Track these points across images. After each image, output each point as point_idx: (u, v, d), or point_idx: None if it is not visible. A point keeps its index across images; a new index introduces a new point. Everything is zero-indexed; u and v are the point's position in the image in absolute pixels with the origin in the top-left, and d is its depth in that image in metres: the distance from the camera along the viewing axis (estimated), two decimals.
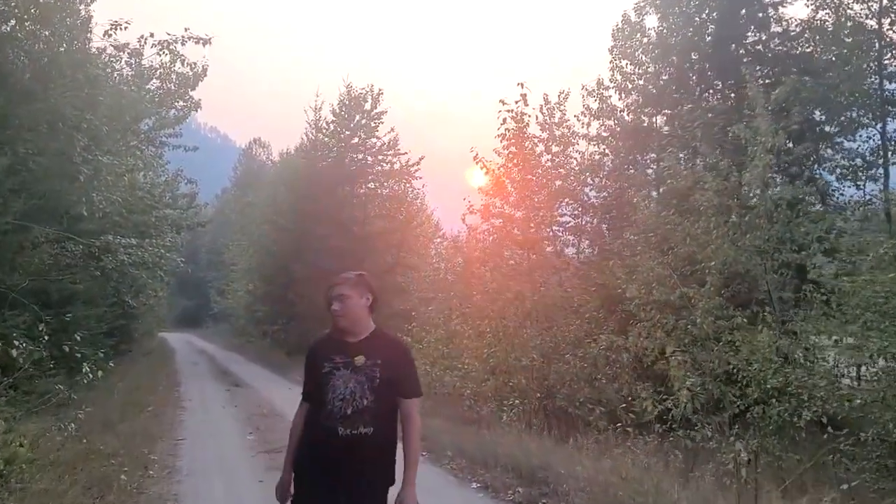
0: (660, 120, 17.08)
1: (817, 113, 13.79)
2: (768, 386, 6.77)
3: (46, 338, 7.85)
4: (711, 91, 15.47)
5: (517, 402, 9.53)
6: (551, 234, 14.79)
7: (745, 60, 13.21)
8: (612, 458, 6.61)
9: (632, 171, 17.06)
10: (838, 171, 14.24)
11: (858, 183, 13.34)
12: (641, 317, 9.94)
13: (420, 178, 26.77)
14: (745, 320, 8.92)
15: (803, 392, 6.63)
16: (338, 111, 26.52)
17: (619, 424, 8.05)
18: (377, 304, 3.27)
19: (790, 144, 10.00)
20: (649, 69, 16.74)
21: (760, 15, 14.26)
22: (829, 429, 6.38)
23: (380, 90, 26.43)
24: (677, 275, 10.11)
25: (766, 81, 12.30)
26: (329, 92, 59.54)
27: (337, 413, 3.03)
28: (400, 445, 3.17)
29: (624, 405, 8.71)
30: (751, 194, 9.62)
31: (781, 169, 11.10)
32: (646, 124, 16.75)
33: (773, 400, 6.80)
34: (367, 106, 26.28)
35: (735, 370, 7.38)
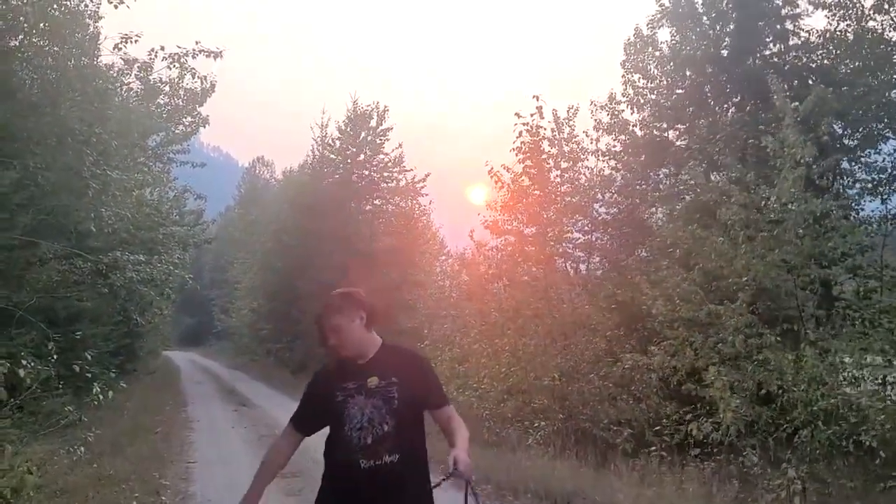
0: (672, 134, 16.86)
1: (836, 126, 13.56)
2: (815, 408, 6.45)
3: (55, 357, 7.57)
4: (727, 105, 15.26)
5: (543, 423, 9.21)
6: (563, 251, 14.56)
7: (764, 72, 13.00)
8: (654, 484, 6.27)
9: (643, 186, 16.81)
10: (858, 185, 13.99)
11: (883, 196, 13.05)
12: (667, 335, 9.64)
13: (426, 194, 26.67)
14: (777, 339, 8.63)
15: (853, 414, 6.31)
16: (343, 128, 26.39)
17: (652, 448, 7.73)
18: (375, 316, 2.96)
19: (809, 158, 9.69)
20: (662, 83, 16.53)
21: (779, 27, 14.08)
22: (882, 454, 6.07)
23: (385, 107, 26.33)
24: (702, 291, 9.83)
25: (786, 94, 12.07)
26: (331, 108, 59.58)
27: (356, 444, 2.78)
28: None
29: (657, 427, 8.39)
30: (778, 207, 9.33)
31: (809, 182, 10.84)
32: (659, 139, 16.52)
33: (819, 422, 6.47)
34: (373, 123, 26.16)
35: (780, 391, 7.05)
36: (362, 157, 26.15)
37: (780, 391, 7.03)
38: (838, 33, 13.39)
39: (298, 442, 3.06)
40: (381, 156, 26.24)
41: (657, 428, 8.39)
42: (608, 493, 6.34)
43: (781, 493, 5.48)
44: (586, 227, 17.28)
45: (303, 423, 3.04)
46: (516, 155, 13.13)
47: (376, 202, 26.76)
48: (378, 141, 26.19)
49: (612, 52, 17.47)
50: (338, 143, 26.64)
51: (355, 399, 2.80)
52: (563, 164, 15.06)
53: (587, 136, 16.27)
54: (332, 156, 26.79)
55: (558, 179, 14.76)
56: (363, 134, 26.09)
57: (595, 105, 16.97)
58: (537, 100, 13.02)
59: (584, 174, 16.79)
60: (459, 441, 2.85)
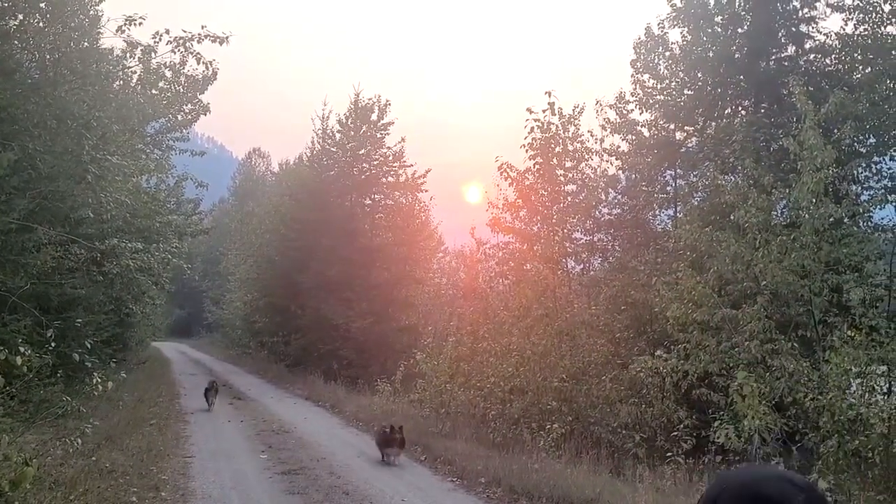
0: (679, 135, 16.67)
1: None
2: (843, 417, 6.24)
3: (53, 345, 7.29)
4: (738, 107, 15.06)
5: (556, 426, 8.96)
6: (573, 249, 14.36)
7: (778, 75, 12.81)
8: (675, 492, 6.04)
9: (649, 187, 16.61)
10: (868, 192, 13.82)
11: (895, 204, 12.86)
12: (680, 338, 9.43)
13: (427, 190, 26.35)
14: (794, 345, 8.44)
15: (882, 425, 6.10)
16: (345, 121, 26.07)
17: (668, 454, 7.51)
18: None
19: (829, 162, 9.49)
20: (672, 83, 16.33)
21: (794, 29, 13.89)
22: None
23: (387, 101, 25.97)
24: (716, 294, 9.64)
25: (806, 96, 11.88)
26: (331, 101, 58.64)
27: None
28: None
29: (674, 433, 8.17)
30: (799, 212, 9.14)
31: (825, 187, 10.66)
32: (667, 140, 16.32)
33: (844, 432, 6.26)
34: (374, 116, 25.84)
35: (806, 399, 6.84)
36: (363, 151, 25.82)
37: (807, 399, 6.80)
38: (855, 38, 13.17)
39: None
40: (383, 150, 25.93)
41: (674, 434, 8.18)
42: (627, 500, 6.11)
43: None
44: (589, 228, 17.12)
45: None
46: (526, 151, 12.90)
47: (376, 197, 26.44)
48: (379, 135, 25.88)
49: (618, 52, 17.18)
50: (338, 135, 26.32)
51: None
52: (568, 164, 14.87)
53: (592, 135, 16.10)
54: (333, 149, 26.46)
55: (562, 179, 14.57)
56: (364, 128, 25.77)
57: (601, 104, 16.77)
58: (549, 95, 12.78)
59: (589, 174, 16.61)
60: None
